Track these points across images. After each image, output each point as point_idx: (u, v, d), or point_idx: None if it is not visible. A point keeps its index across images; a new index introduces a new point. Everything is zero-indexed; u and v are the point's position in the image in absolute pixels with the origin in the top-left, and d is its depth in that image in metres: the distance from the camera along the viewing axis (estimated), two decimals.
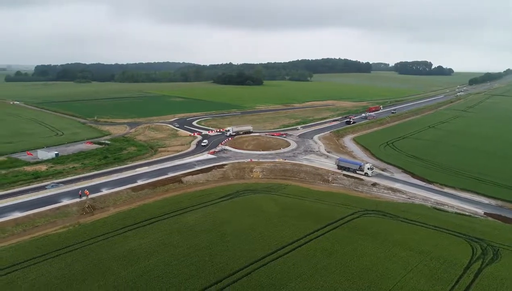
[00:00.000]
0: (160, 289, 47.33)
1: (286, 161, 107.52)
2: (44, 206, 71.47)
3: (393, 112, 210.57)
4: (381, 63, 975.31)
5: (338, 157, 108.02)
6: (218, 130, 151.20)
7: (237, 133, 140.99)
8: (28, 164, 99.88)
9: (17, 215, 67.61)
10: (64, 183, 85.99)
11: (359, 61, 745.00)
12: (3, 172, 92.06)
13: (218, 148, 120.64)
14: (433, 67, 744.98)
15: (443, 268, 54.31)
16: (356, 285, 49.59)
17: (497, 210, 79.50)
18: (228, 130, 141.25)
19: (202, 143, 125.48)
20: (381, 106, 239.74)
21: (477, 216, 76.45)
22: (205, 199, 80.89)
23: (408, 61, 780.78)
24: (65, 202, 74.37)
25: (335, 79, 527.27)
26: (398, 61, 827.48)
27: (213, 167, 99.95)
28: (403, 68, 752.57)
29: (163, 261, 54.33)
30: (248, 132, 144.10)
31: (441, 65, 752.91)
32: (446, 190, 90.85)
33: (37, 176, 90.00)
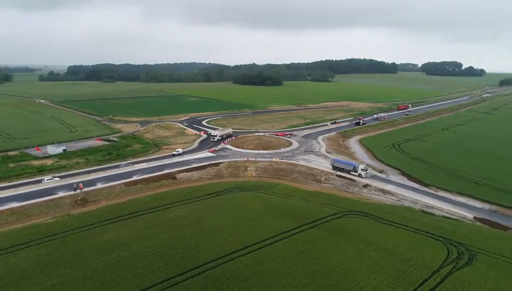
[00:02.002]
0: (125, 279, 49.87)
1: (282, 160, 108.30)
2: (40, 198, 76.20)
3: (407, 114, 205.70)
4: (409, 64, 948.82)
5: (334, 158, 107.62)
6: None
7: (222, 137, 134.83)
8: (36, 158, 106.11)
9: (14, 205, 72.52)
10: (65, 176, 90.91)
11: (385, 62, 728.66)
12: (12, 165, 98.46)
13: (218, 147, 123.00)
14: (463, 67, 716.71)
15: (410, 270, 53.89)
16: (317, 283, 50.23)
17: (488, 215, 77.15)
18: (216, 135, 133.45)
19: (174, 153, 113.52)
20: (410, 105, 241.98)
21: (465, 220, 74.50)
22: (193, 195, 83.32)
23: (437, 61, 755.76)
24: (60, 194, 78.85)
25: (357, 80, 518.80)
26: (427, 61, 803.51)
27: (209, 165, 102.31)
28: (432, 69, 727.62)
29: (135, 252, 56.99)
30: (229, 135, 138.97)
31: (472, 65, 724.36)
32: (441, 193, 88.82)
33: (41, 170, 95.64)
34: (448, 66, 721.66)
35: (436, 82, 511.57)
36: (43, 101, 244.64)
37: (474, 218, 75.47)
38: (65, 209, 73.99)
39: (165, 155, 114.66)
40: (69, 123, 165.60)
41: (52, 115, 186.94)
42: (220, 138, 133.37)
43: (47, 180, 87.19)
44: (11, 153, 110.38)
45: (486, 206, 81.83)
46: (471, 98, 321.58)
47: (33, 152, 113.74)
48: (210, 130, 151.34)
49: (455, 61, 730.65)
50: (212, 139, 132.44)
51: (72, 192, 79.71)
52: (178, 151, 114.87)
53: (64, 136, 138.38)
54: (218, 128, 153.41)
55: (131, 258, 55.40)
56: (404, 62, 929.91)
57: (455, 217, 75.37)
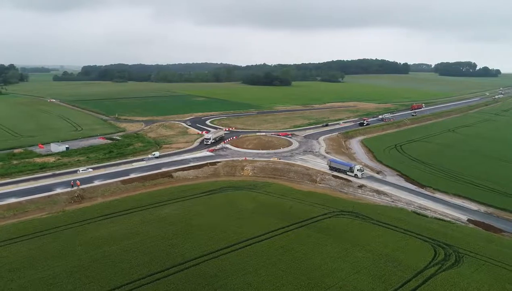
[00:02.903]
0: (109, 273, 51.10)
1: (280, 160, 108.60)
2: (38, 194, 78.39)
3: (413, 115, 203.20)
4: (423, 64, 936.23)
5: (331, 158, 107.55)
6: (226, 129, 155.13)
7: (215, 140, 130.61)
8: (39, 155, 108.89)
9: (12, 200, 74.84)
10: (65, 173, 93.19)
11: (397, 62, 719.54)
12: (15, 162, 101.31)
13: (218, 146, 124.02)
14: (478, 68, 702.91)
15: (394, 271, 53.77)
16: (297, 281, 50.59)
17: (483, 217, 76.07)
18: (209, 139, 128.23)
19: (149, 156, 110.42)
20: (423, 104, 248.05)
21: (458, 222, 73.68)
22: (187, 193, 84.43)
23: (451, 62, 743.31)
24: (58, 191, 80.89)
25: (368, 80, 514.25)
26: (440, 62, 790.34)
27: (206, 164, 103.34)
28: (445, 69, 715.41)
29: (123, 248, 58.27)
30: (222, 138, 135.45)
31: (487, 66, 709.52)
32: (437, 194, 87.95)
33: (43, 167, 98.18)
34: (462, 66, 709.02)
35: (449, 83, 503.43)
36: (54, 100, 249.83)
37: (468, 220, 74.57)
38: (61, 205, 75.86)
39: (165, 153, 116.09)
40: (75, 122, 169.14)
41: (60, 114, 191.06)
42: (213, 141, 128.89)
43: (82, 170, 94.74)
44: (16, 150, 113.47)
45: (482, 208, 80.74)
46: (483, 99, 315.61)
47: (38, 149, 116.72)
48: (212, 130, 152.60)
49: (469, 62, 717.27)
50: (205, 143, 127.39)
51: (69, 189, 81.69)
52: (154, 154, 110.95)
53: (69, 135, 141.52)
54: (221, 128, 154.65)
55: (118, 253, 56.68)
56: (417, 62, 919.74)
57: (448, 219, 74.58)
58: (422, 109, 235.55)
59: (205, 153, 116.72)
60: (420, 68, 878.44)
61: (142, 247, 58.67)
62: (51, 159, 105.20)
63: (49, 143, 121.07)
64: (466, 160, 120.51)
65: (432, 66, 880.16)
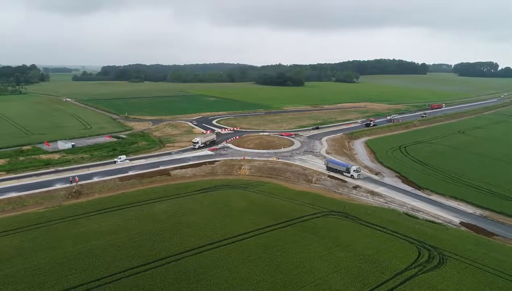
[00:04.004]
0: (92, 266, 53.10)
1: (278, 160, 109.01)
2: (38, 189, 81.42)
3: (422, 116, 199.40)
4: (443, 64, 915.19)
5: (328, 158, 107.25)
6: (231, 129, 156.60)
7: (205, 144, 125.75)
8: (46, 152, 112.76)
9: (12, 195, 78.04)
10: (67, 170, 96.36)
11: (415, 62, 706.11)
12: (22, 158, 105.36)
13: (219, 145, 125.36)
14: (499, 68, 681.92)
15: (372, 271, 53.75)
16: (273, 279, 51.28)
17: (477, 220, 74.55)
18: (197, 142, 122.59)
19: (116, 160, 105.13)
20: (444, 104, 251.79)
21: (449, 224, 72.50)
22: (181, 191, 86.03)
23: (471, 62, 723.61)
24: (57, 186, 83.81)
25: (384, 81, 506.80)
26: (461, 62, 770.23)
27: (204, 163, 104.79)
28: (465, 69, 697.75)
29: (109, 242, 60.21)
30: (213, 141, 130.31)
31: (509, 66, 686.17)
32: (433, 196, 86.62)
33: (48, 163, 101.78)
34: (483, 66, 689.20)
35: (467, 83, 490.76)
36: (69, 99, 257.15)
37: (460, 222, 73.26)
38: (58, 200, 78.62)
39: (166, 152, 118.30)
40: (86, 121, 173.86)
41: (73, 113, 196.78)
42: (203, 145, 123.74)
43: (120, 161, 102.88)
44: (25, 147, 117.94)
45: (478, 211, 79.08)
46: (501, 101, 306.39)
47: (45, 146, 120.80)
48: (217, 129, 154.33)
49: (491, 62, 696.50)
50: (193, 147, 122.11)
51: (68, 185, 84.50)
52: (120, 158, 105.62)
53: (77, 133, 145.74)
54: (226, 127, 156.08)
55: (104, 247, 58.59)
56: (437, 62, 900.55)
57: (440, 221, 73.45)
58: (436, 110, 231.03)
59: (205, 151, 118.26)
60: (440, 68, 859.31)
61: (128, 242, 60.42)
62: (56, 156, 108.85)
63: (57, 141, 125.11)
64: (471, 162, 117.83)
65: (452, 66, 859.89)
